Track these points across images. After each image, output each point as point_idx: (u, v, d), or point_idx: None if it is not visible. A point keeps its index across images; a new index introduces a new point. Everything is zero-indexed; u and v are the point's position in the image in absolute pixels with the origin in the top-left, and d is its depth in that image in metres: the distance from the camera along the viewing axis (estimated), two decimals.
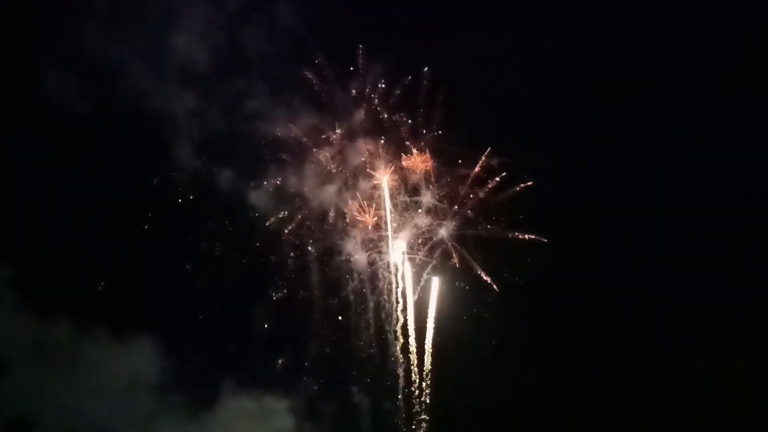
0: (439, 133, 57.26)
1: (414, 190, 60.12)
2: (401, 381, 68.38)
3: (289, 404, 58.08)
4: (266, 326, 58.74)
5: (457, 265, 62.88)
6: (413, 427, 63.92)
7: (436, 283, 61.28)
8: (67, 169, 52.38)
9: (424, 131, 57.83)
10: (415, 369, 64.98)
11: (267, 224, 58.49)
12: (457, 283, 61.24)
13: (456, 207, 59.83)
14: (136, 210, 52.91)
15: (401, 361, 65.72)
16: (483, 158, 56.07)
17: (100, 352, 45.35)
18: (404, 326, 68.31)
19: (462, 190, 58.56)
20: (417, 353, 64.07)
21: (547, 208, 47.66)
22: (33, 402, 34.03)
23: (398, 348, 66.56)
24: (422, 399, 62.91)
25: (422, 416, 63.37)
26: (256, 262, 59.23)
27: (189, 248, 55.15)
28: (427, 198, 60.70)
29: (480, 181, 57.84)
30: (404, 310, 65.38)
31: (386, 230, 60.89)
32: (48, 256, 49.22)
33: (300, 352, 61.41)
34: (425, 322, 66.94)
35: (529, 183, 53.57)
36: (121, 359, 45.64)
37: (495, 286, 57.25)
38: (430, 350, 63.01)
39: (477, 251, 60.14)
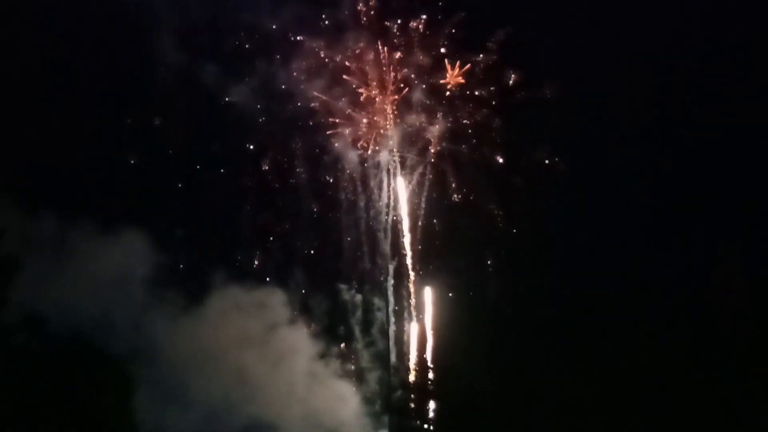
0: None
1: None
2: (391, 279, 69.97)
3: (281, 298, 59.00)
4: (255, 222, 59.02)
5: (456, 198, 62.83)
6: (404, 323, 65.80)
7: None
8: (50, 62, 51.02)
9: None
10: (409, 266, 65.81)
11: (260, 120, 57.65)
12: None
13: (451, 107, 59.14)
14: (124, 103, 51.97)
15: (391, 258, 66.85)
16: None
17: (90, 246, 45.43)
18: (395, 224, 68.81)
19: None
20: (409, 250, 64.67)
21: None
22: (42, 299, 34.35)
23: (388, 245, 67.39)
24: (409, 299, 64.18)
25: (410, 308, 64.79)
26: (248, 160, 58.85)
27: (177, 143, 54.58)
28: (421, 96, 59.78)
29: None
30: (395, 207, 65.56)
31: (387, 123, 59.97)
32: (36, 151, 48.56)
33: (291, 249, 62.03)
34: (416, 222, 67.42)
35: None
36: (112, 253, 45.76)
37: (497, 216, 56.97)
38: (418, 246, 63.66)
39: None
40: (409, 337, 66.05)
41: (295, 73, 57.62)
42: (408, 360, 66.22)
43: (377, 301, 70.86)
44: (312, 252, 62.64)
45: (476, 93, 57.60)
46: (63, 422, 31.71)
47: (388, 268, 73.17)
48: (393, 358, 71.13)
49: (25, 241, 35.02)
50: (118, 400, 35.78)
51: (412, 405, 46.23)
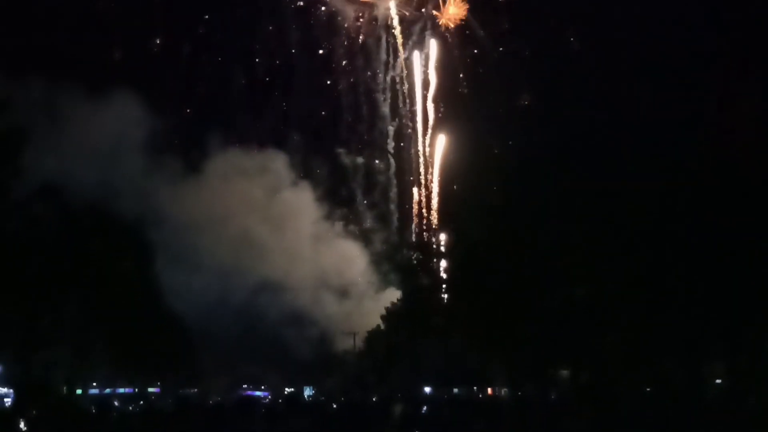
0: None
1: None
2: (391, 141, 69.59)
3: (282, 162, 58.89)
4: (253, 85, 57.55)
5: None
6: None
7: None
8: None
9: None
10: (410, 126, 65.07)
11: None
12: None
13: None
14: None
15: (391, 120, 66.03)
16: None
17: (95, 115, 44.45)
18: (393, 84, 67.28)
19: None
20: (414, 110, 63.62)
21: None
22: (53, 169, 34.05)
23: (388, 108, 66.34)
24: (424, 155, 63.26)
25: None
26: (240, 20, 56.44)
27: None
28: None
29: None
30: (394, 66, 63.89)
31: None
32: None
33: (289, 112, 61.07)
34: (424, 80, 65.76)
35: None
36: (117, 121, 44.87)
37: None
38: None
39: None
40: (412, 197, 67.08)
41: None
42: (414, 219, 67.63)
43: (378, 164, 71.09)
44: (311, 115, 61.74)
45: None
46: (86, 291, 32.43)
47: (388, 130, 72.68)
48: (395, 220, 72.64)
49: (31, 112, 34.25)
50: (138, 266, 36.58)
51: (418, 263, 47.48)
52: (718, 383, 29.14)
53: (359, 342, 61.08)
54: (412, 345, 40.24)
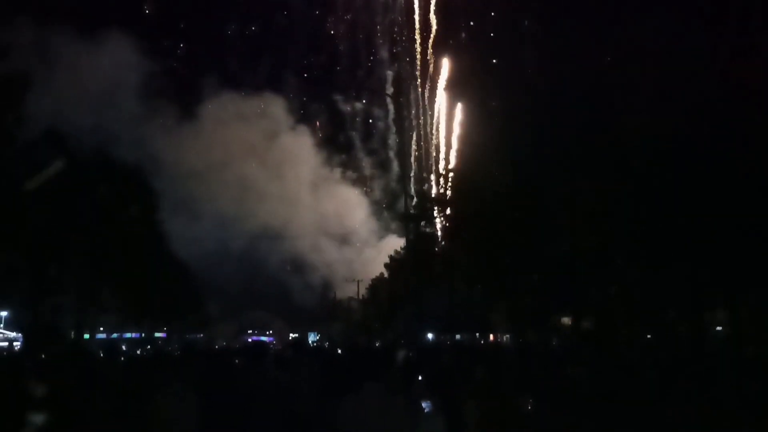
0: None
1: None
2: (390, 87, 68.22)
3: (279, 107, 58.51)
4: (251, 30, 56.72)
5: None
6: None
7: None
8: None
9: None
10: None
11: None
12: None
13: None
14: None
15: (390, 64, 64.77)
16: None
17: (96, 60, 43.97)
18: (392, 27, 66.08)
19: None
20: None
21: None
22: (57, 115, 33.83)
23: (387, 52, 65.13)
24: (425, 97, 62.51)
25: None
26: None
27: None
28: None
29: None
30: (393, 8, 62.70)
31: None
32: None
33: (285, 55, 60.20)
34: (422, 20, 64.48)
35: None
36: (118, 66, 44.37)
37: None
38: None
39: None
40: (409, 145, 66.44)
41: None
42: (412, 166, 67.19)
43: (377, 111, 70.19)
44: (309, 59, 60.83)
45: None
46: (92, 235, 32.58)
47: (386, 75, 71.64)
48: (396, 166, 72.18)
49: (33, 58, 33.83)
50: (144, 211, 36.68)
51: (420, 211, 47.51)
52: (719, 330, 29.47)
53: (363, 290, 61.60)
54: (416, 292, 40.56)
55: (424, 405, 6.08)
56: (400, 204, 57.88)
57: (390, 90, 66.38)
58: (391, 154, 66.24)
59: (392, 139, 67.07)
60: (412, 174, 65.38)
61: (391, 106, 68.20)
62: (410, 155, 66.48)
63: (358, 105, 67.33)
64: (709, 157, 21.27)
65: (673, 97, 21.40)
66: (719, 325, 29.42)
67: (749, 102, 19.79)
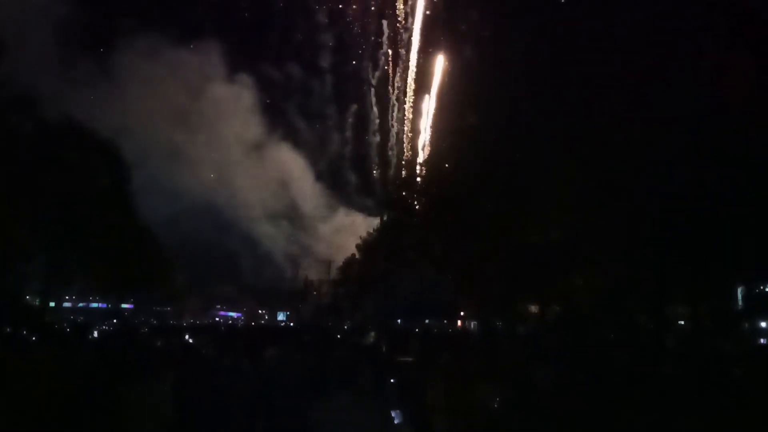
0: None
1: None
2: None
3: (245, 84, 57.61)
4: None
5: None
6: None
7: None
8: None
9: None
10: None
11: None
12: None
13: None
14: None
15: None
16: None
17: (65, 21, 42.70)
18: None
19: None
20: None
21: None
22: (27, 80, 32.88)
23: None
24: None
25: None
26: None
27: None
28: None
29: None
30: None
31: None
32: None
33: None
34: None
35: None
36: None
37: None
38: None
39: None
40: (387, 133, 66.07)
41: None
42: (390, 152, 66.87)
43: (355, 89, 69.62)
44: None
45: None
46: (61, 207, 32.09)
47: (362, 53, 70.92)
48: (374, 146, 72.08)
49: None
50: (114, 183, 36.13)
51: (396, 198, 47.59)
52: (680, 324, 30.20)
53: (334, 272, 61.56)
54: (386, 275, 40.83)
55: (393, 414, 6.17)
56: (379, 190, 57.93)
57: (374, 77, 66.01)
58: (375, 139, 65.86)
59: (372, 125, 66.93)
60: (389, 155, 65.39)
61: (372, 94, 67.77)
62: (388, 141, 66.53)
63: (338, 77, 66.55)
64: (676, 157, 21.69)
65: (643, 98, 21.72)
66: (681, 320, 30.19)
67: (720, 110, 20.19)
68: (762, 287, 29.23)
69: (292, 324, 64.32)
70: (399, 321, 44.07)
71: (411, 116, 59.71)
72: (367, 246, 55.08)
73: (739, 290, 28.67)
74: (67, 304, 52.64)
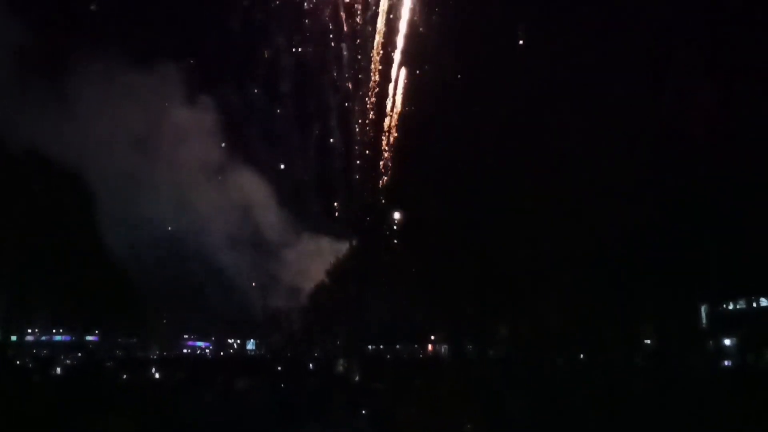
0: None
1: None
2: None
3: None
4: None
5: None
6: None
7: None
8: None
9: None
10: None
11: None
12: None
13: None
14: None
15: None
16: None
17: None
18: None
19: None
20: None
21: None
22: None
23: None
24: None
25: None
26: None
27: None
28: None
29: None
30: None
31: None
32: None
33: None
34: None
35: None
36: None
37: None
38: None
39: None
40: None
41: None
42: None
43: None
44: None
45: None
46: (24, 235, 31.56)
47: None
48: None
49: None
50: (75, 212, 35.60)
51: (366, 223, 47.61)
52: (647, 343, 30.54)
53: (303, 298, 61.22)
54: (357, 302, 40.62)
55: None
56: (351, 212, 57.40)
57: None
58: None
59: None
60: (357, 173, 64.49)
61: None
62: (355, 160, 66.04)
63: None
64: (639, 184, 22.17)
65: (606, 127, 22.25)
66: (648, 338, 30.55)
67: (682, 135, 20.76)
68: (725, 305, 29.78)
69: (261, 353, 63.39)
70: (370, 347, 43.84)
71: (373, 137, 59.07)
72: (337, 271, 54.81)
73: (703, 309, 29.15)
74: (29, 338, 51.26)
